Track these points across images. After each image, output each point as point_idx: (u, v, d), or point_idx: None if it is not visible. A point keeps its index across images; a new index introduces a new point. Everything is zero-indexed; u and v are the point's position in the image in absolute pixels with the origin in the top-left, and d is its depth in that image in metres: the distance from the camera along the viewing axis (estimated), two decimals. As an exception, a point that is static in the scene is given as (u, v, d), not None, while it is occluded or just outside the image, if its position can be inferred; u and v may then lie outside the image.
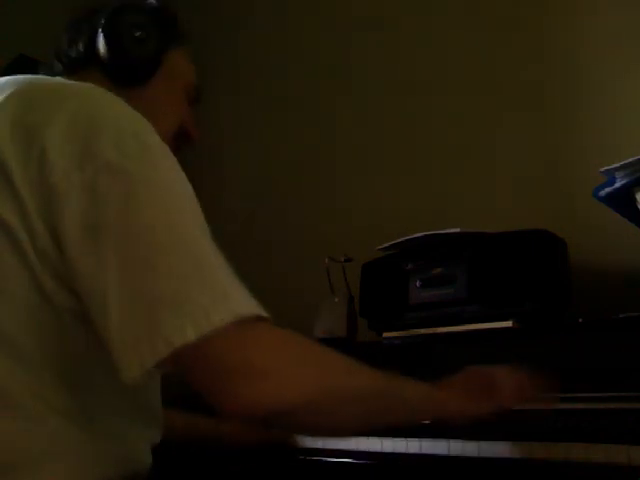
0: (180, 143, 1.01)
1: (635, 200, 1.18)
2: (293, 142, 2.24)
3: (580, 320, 1.14)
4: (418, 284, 1.44)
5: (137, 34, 0.93)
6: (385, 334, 1.48)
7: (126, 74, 0.93)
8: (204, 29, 2.51)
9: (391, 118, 1.99)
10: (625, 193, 1.18)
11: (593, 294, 1.43)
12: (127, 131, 0.74)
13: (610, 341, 1.03)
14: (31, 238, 0.70)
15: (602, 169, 1.19)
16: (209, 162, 2.24)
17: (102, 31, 0.93)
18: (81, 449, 0.74)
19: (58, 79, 0.83)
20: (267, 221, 2.20)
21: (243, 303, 0.69)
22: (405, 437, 1.03)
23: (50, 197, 0.70)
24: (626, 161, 1.15)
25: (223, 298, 0.67)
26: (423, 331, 1.37)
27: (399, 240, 1.49)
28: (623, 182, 1.17)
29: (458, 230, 1.38)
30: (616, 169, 1.17)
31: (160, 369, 0.68)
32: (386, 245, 1.53)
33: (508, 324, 1.27)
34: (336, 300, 1.68)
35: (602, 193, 1.22)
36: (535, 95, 1.71)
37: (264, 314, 0.70)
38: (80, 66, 0.94)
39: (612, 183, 1.19)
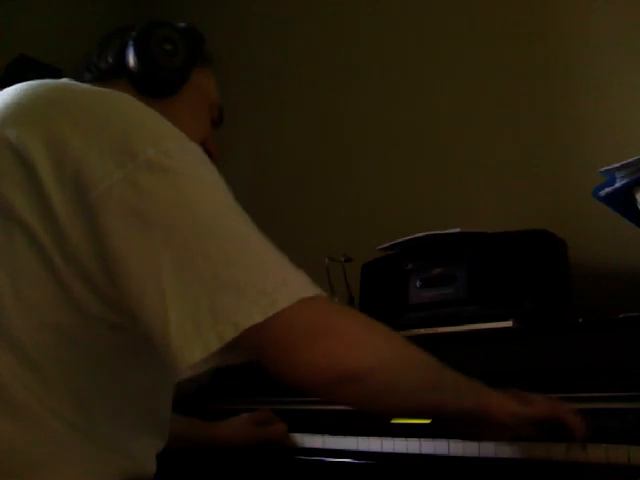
0: None
1: (635, 200, 1.18)
2: (293, 142, 2.24)
3: (580, 320, 1.14)
4: (418, 284, 1.44)
5: (167, 47, 0.95)
6: (385, 334, 1.48)
7: (153, 86, 0.94)
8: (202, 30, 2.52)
9: (391, 118, 1.99)
10: (625, 193, 1.18)
11: (593, 294, 1.43)
12: (162, 132, 0.75)
13: (610, 341, 1.03)
14: (58, 243, 0.70)
15: (602, 169, 1.19)
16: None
17: (133, 43, 0.94)
18: (84, 457, 0.74)
19: (86, 85, 0.84)
20: (267, 221, 2.20)
21: (302, 285, 0.71)
22: (405, 437, 1.03)
23: (87, 198, 0.69)
24: (626, 161, 1.14)
25: (282, 283, 0.69)
26: (423, 331, 1.37)
27: (399, 240, 1.49)
28: (623, 182, 1.17)
29: (458, 230, 1.39)
30: (616, 169, 1.17)
31: (212, 363, 0.68)
32: (386, 245, 1.53)
33: (508, 324, 1.26)
34: (336, 300, 1.68)
35: (602, 193, 1.22)
36: (535, 95, 1.71)
37: (323, 293, 0.72)
38: (109, 76, 0.95)
39: (612, 183, 1.19)
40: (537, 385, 1.01)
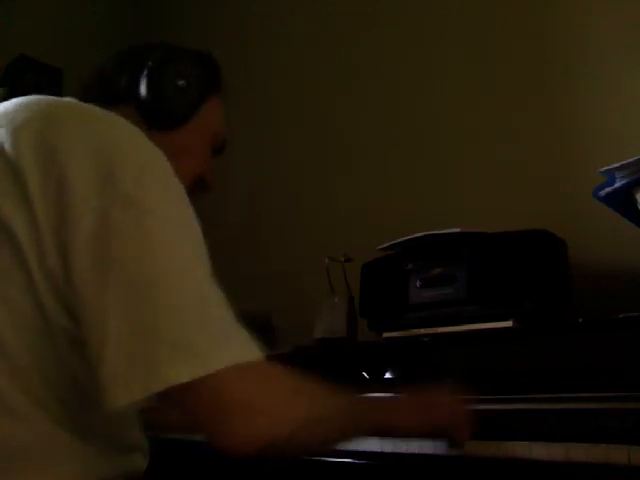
0: (195, 189, 1.01)
1: (635, 200, 1.18)
2: (293, 142, 2.24)
3: (580, 320, 1.14)
4: (418, 284, 1.44)
5: (180, 83, 0.95)
6: (385, 334, 1.48)
7: (161, 118, 0.95)
8: (202, 30, 2.52)
9: (391, 118, 1.99)
10: (625, 193, 1.18)
11: (593, 294, 1.42)
12: (147, 167, 0.75)
13: (610, 341, 1.03)
14: (40, 256, 0.71)
15: (602, 169, 1.19)
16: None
17: (147, 72, 0.94)
18: (74, 456, 0.75)
19: (88, 105, 0.84)
20: (267, 221, 2.20)
21: (241, 349, 0.72)
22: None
23: (65, 218, 0.70)
24: (626, 161, 1.14)
25: (219, 345, 0.70)
26: (423, 331, 1.37)
27: (399, 240, 1.49)
28: (623, 182, 1.17)
29: (458, 230, 1.38)
30: (616, 169, 1.17)
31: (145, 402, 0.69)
32: (386, 245, 1.53)
33: (508, 324, 1.27)
34: (336, 300, 1.68)
35: (602, 193, 1.22)
36: (535, 95, 1.71)
37: (260, 355, 0.73)
38: (118, 99, 0.95)
39: (612, 183, 1.19)
40: (537, 385, 1.01)
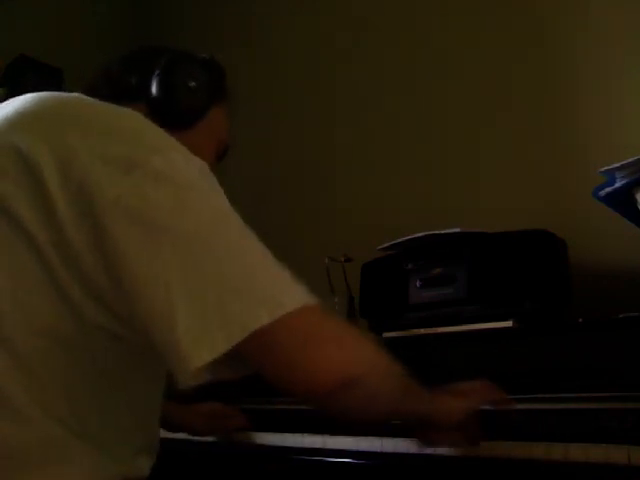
0: None
1: (635, 200, 1.18)
2: (293, 142, 2.24)
3: (580, 320, 1.14)
4: (418, 284, 1.44)
5: (191, 84, 0.97)
6: (385, 334, 1.48)
7: (171, 118, 0.95)
8: (202, 31, 2.52)
9: (391, 118, 1.99)
10: (625, 193, 1.18)
11: (593, 294, 1.43)
12: (168, 145, 0.76)
13: (610, 341, 1.03)
14: (58, 248, 0.70)
15: (602, 169, 1.19)
16: (209, 162, 2.23)
17: (159, 72, 0.95)
18: (80, 459, 0.74)
19: (102, 102, 0.84)
20: (267, 221, 2.20)
21: (305, 294, 0.73)
22: (405, 437, 1.03)
23: (94, 206, 0.70)
24: (626, 161, 1.15)
25: (287, 288, 0.72)
26: (423, 331, 1.37)
27: (399, 240, 1.49)
28: (623, 182, 1.17)
29: (458, 230, 1.38)
30: (616, 169, 1.17)
31: (211, 375, 0.69)
32: (386, 245, 1.53)
33: (508, 324, 1.27)
34: (336, 300, 1.68)
35: (602, 193, 1.22)
36: (535, 95, 1.71)
37: (319, 303, 0.75)
38: (128, 97, 0.95)
39: (612, 183, 1.19)
40: (537, 385, 1.01)
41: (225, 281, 0.69)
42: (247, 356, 0.71)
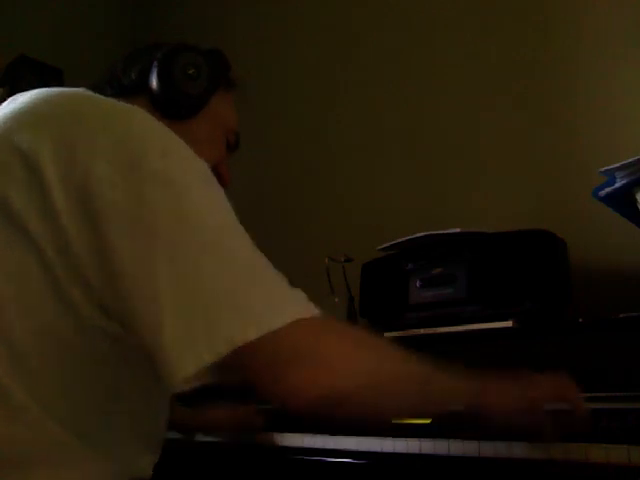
0: None
1: (635, 200, 1.18)
2: (293, 142, 2.24)
3: (580, 320, 1.14)
4: (418, 284, 1.44)
5: (190, 71, 0.96)
6: (385, 334, 1.48)
7: (173, 107, 0.96)
8: (202, 31, 2.52)
9: (391, 118, 1.99)
10: (625, 193, 1.18)
11: (593, 294, 1.42)
12: (171, 148, 0.76)
13: (610, 341, 1.03)
14: (58, 249, 0.70)
15: (602, 169, 1.19)
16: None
17: (157, 63, 0.96)
18: (80, 460, 0.74)
19: (106, 98, 0.84)
20: (267, 221, 2.20)
21: (298, 306, 0.72)
22: (405, 437, 1.03)
23: (92, 206, 0.70)
24: (626, 161, 1.14)
25: (279, 303, 0.71)
26: (423, 331, 1.37)
27: (399, 240, 1.49)
28: (623, 182, 1.17)
29: (458, 230, 1.38)
30: (616, 169, 1.17)
31: (202, 380, 0.69)
32: (386, 245, 1.53)
33: (508, 324, 1.26)
34: (336, 300, 1.68)
35: (602, 193, 1.22)
36: (535, 95, 1.71)
37: (317, 312, 0.73)
38: (130, 93, 0.96)
39: (612, 183, 1.19)
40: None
41: (215, 292, 0.68)
42: (233, 368, 0.70)
